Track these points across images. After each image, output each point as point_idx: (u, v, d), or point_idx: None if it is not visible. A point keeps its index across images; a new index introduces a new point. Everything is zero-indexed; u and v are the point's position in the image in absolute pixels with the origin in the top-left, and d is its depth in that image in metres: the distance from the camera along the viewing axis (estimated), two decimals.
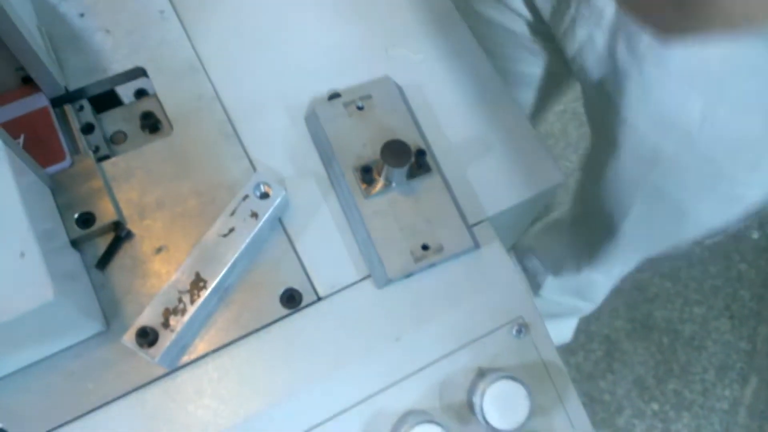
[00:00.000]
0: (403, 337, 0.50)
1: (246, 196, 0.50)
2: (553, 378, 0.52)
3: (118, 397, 0.47)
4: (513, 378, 0.48)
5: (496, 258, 0.53)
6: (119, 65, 0.57)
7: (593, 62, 0.63)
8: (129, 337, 0.46)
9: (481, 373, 0.50)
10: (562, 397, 0.52)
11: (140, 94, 0.62)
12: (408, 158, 0.49)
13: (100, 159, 0.54)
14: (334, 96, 0.56)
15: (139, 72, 0.58)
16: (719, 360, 1.46)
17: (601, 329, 1.47)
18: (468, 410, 0.50)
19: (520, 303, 0.53)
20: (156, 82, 0.57)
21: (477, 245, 0.52)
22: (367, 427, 0.48)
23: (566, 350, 1.45)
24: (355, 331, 0.50)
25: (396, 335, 0.50)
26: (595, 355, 1.46)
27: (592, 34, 0.61)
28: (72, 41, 0.58)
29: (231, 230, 0.49)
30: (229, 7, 0.60)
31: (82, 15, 0.59)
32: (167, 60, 0.58)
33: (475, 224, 0.54)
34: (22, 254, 0.41)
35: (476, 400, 0.49)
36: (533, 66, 0.82)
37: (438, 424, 0.47)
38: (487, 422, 0.48)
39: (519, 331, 0.52)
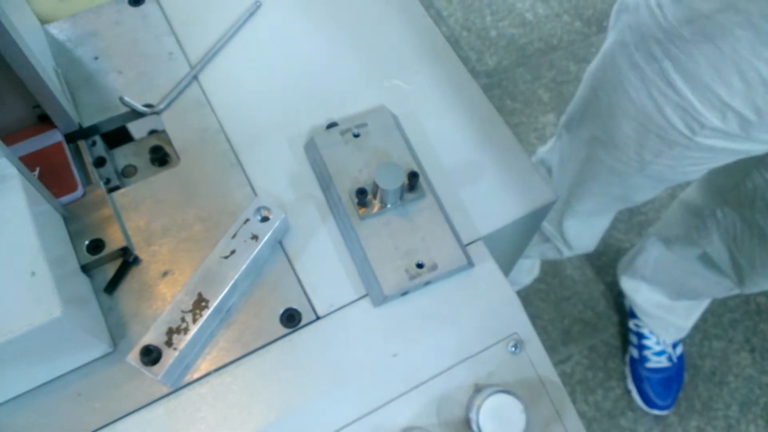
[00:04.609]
0: (401, 353, 0.51)
1: (247, 220, 0.53)
2: (550, 394, 0.52)
3: (124, 416, 0.49)
4: (508, 392, 0.49)
5: (490, 276, 0.55)
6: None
7: None
8: (133, 356, 0.48)
9: (478, 390, 0.51)
10: (560, 413, 0.52)
11: (153, 132, 0.66)
12: (400, 179, 0.51)
13: (111, 190, 0.57)
14: (331, 125, 0.59)
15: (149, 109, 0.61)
16: (742, 395, 1.43)
17: (619, 366, 1.45)
18: (466, 427, 0.51)
19: (516, 320, 0.54)
20: (165, 118, 0.60)
21: (471, 263, 0.54)
22: None
23: (585, 388, 1.43)
24: (353, 348, 0.51)
25: (393, 352, 0.51)
26: (615, 393, 1.44)
27: None
28: (86, 82, 0.61)
29: (232, 252, 0.51)
30: (233, 46, 0.64)
31: (96, 58, 0.63)
32: (175, 97, 0.61)
33: (470, 243, 0.56)
34: (33, 273, 0.44)
35: (473, 416, 0.49)
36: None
37: None
38: None
39: (515, 347, 0.53)
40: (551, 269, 1.54)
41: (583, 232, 1.17)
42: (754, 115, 0.65)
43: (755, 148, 0.73)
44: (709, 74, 0.64)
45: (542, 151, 1.14)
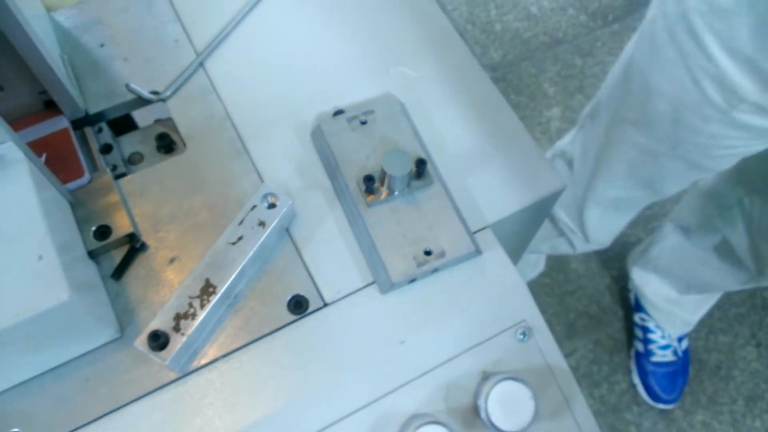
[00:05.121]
0: (408, 340, 0.51)
1: (254, 206, 0.52)
2: (558, 381, 0.52)
3: (131, 401, 0.48)
4: (516, 379, 0.48)
5: (498, 263, 0.54)
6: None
7: None
8: (141, 341, 0.47)
9: (486, 377, 0.51)
10: (569, 400, 0.52)
11: (158, 121, 0.65)
12: (408, 166, 0.51)
13: (118, 176, 0.57)
14: (338, 112, 0.58)
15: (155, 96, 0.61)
16: (748, 390, 1.43)
17: (624, 361, 1.45)
18: (474, 414, 0.51)
19: (524, 307, 0.53)
20: (171, 105, 0.60)
21: (479, 251, 0.53)
22: (374, 430, 0.49)
23: (590, 382, 1.43)
24: (360, 335, 0.51)
25: (401, 339, 0.51)
26: (620, 387, 1.43)
27: None
28: (92, 69, 0.61)
29: (239, 238, 0.51)
30: (239, 33, 0.64)
31: (102, 45, 0.63)
32: (181, 84, 0.61)
33: (477, 231, 0.55)
34: (40, 257, 0.43)
35: (481, 402, 0.49)
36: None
37: (443, 424, 0.47)
38: (492, 424, 0.48)
39: (523, 335, 0.53)
40: (556, 263, 1.54)
41: (604, 224, 1.15)
42: None
43: None
44: (752, 46, 0.64)
45: (563, 143, 1.13)
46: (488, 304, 0.53)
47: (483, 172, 0.58)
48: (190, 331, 0.48)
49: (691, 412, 1.41)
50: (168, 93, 0.60)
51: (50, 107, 0.57)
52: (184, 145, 0.58)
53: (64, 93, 0.55)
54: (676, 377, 1.39)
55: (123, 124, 0.65)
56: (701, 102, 0.73)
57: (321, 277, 0.53)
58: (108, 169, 0.56)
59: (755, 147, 0.79)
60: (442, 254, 0.52)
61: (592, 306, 1.50)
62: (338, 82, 0.62)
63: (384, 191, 0.54)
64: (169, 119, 0.61)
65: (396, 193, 0.54)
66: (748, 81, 0.67)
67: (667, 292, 1.32)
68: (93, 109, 0.59)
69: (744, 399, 1.42)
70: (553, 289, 1.52)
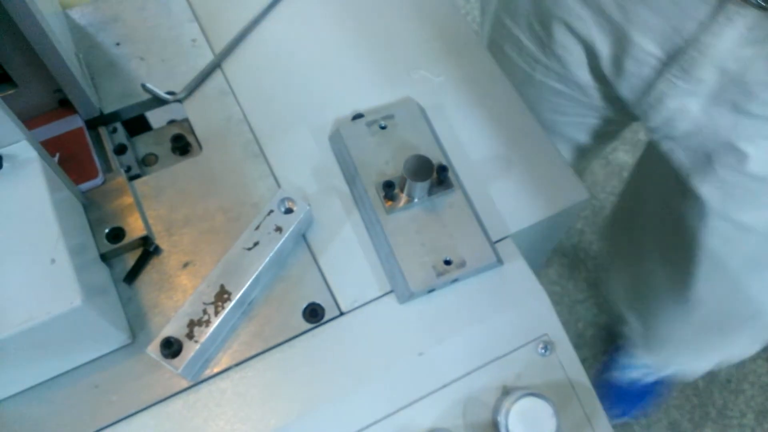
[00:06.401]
0: (426, 352, 0.50)
1: (271, 211, 0.51)
2: (580, 398, 0.51)
3: (142, 409, 0.47)
4: (538, 395, 0.47)
5: (520, 274, 0.53)
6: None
7: (685, 131, 0.65)
8: (153, 348, 0.46)
9: (506, 392, 0.50)
10: (591, 417, 0.51)
11: (172, 122, 0.64)
12: (429, 172, 0.50)
13: (132, 178, 0.56)
14: (357, 116, 0.57)
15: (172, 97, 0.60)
16: (758, 404, 1.41)
17: None
18: (493, 430, 0.49)
19: (545, 320, 0.52)
20: (187, 106, 0.59)
21: (500, 261, 0.52)
22: None
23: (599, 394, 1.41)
24: (377, 346, 0.50)
25: (419, 350, 0.50)
26: None
27: (685, 103, 0.62)
28: (108, 68, 0.60)
29: (255, 244, 0.50)
30: (257, 34, 0.63)
31: (118, 44, 0.61)
32: (198, 85, 0.60)
33: (498, 241, 0.54)
34: (53, 260, 0.42)
35: (501, 419, 0.48)
36: (587, 117, 0.82)
37: None
38: None
39: (545, 349, 0.51)
40: (566, 272, 1.52)
41: None
42: None
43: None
44: None
45: None
46: (509, 317, 0.52)
47: (505, 180, 0.57)
48: (203, 339, 0.47)
49: (701, 425, 1.39)
50: (184, 94, 0.59)
51: (64, 106, 0.56)
52: (200, 147, 0.57)
53: (79, 92, 0.54)
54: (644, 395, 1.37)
55: (137, 125, 0.64)
56: None
57: (337, 285, 0.52)
58: (122, 170, 0.55)
59: None
60: (462, 264, 0.51)
61: (602, 315, 1.49)
62: (357, 86, 0.61)
63: (403, 198, 0.53)
64: (185, 120, 0.60)
65: (416, 200, 0.53)
66: None
67: None
68: (108, 109, 0.58)
69: (754, 413, 1.40)
70: (562, 297, 1.50)
